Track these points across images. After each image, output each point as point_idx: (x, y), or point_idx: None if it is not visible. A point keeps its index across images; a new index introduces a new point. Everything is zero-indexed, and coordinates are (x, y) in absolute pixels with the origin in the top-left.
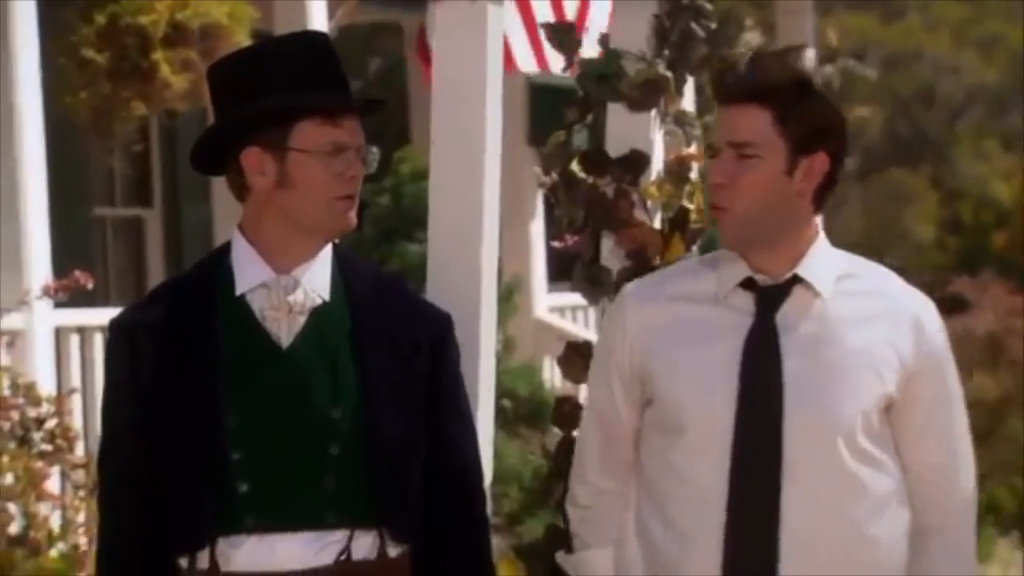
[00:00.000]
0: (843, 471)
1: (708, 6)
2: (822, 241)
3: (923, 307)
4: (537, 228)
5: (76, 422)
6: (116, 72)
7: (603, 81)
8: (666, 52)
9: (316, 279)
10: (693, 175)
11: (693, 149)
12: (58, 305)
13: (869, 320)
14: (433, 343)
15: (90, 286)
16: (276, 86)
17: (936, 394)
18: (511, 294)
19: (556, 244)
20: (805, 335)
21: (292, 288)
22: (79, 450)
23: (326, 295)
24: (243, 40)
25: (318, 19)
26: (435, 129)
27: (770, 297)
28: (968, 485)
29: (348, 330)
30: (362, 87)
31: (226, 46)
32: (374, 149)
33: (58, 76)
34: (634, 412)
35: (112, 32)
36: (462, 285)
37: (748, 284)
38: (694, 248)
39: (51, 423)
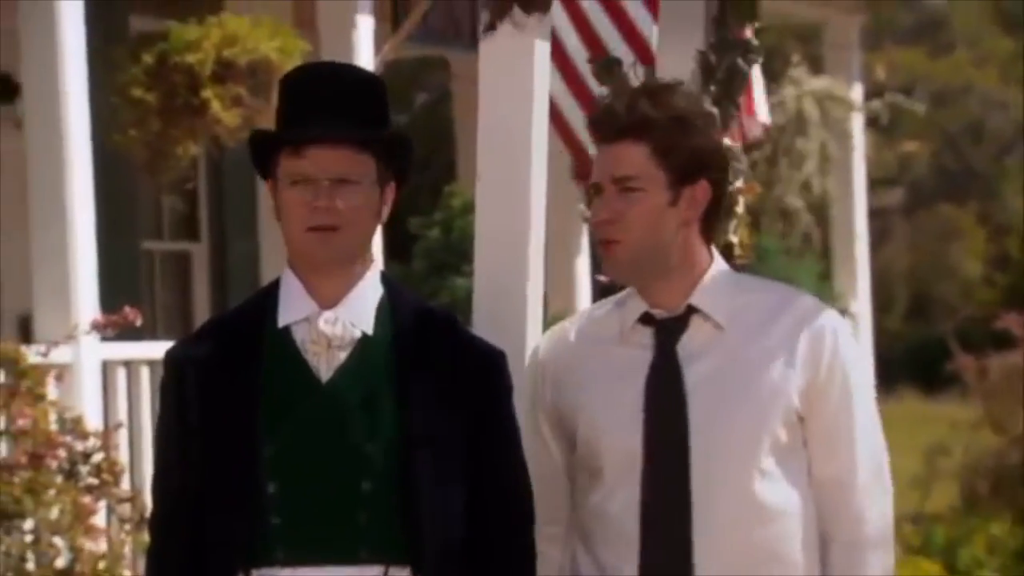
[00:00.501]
0: (750, 494)
1: (755, 42)
2: (717, 268)
3: (824, 321)
4: (583, 263)
5: (122, 456)
6: (166, 110)
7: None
8: (712, 88)
9: (357, 312)
10: (739, 209)
11: (740, 184)
12: (105, 338)
13: (768, 341)
14: (481, 379)
15: (139, 323)
16: (280, 117)
17: (839, 407)
18: None
19: (601, 279)
20: (706, 365)
21: (332, 322)
22: (125, 484)
23: (368, 328)
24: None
25: (364, 53)
26: (481, 164)
27: (668, 330)
28: (872, 500)
29: (391, 365)
30: (408, 121)
31: (276, 80)
32: (352, 178)
33: (109, 114)
34: (565, 452)
35: (161, 71)
36: (507, 319)
37: (647, 319)
38: None
39: (97, 457)
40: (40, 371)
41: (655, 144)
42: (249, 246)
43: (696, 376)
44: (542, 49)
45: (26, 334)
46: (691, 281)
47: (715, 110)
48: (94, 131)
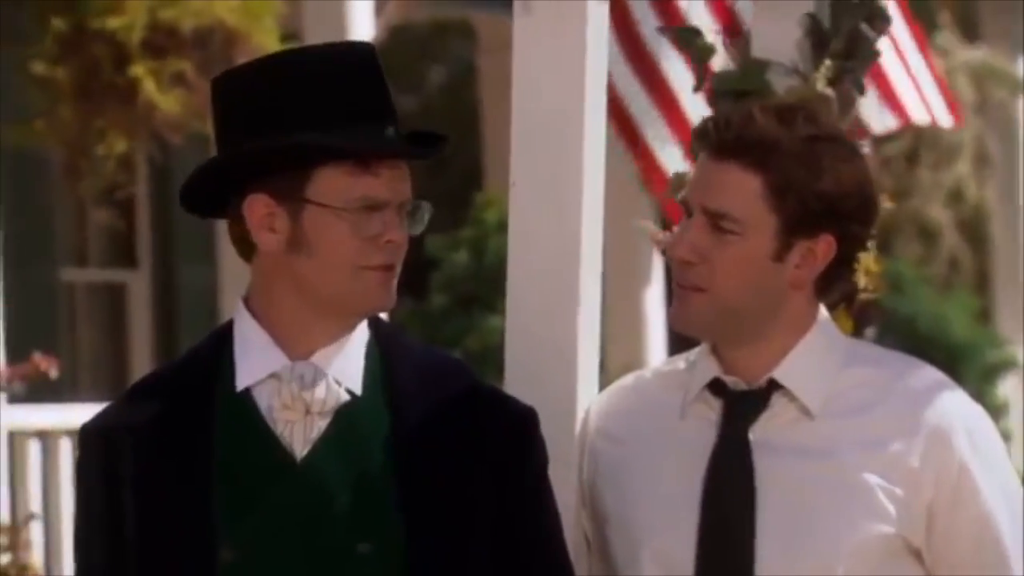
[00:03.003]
0: None
1: (884, 1)
2: (819, 331)
3: (954, 416)
4: (654, 297)
5: (36, 558)
6: (85, 94)
7: (743, 100)
8: (827, 62)
9: (344, 367)
10: None
11: None
12: (13, 400)
13: (872, 439)
14: (505, 450)
15: (54, 374)
16: (296, 116)
17: (975, 543)
18: None
19: None
20: (785, 463)
21: (311, 380)
22: None
23: (357, 388)
24: (266, 44)
25: (360, 19)
26: (515, 167)
27: (742, 407)
28: None
29: (386, 436)
30: (419, 105)
31: (239, 53)
32: (423, 204)
33: (11, 100)
34: (596, 541)
35: (77, 40)
36: (550, 371)
37: (718, 388)
38: (869, 329)
39: (4, 559)
40: None
41: (771, 179)
42: (204, 274)
43: (769, 471)
44: (597, 12)
45: None
46: (782, 347)
47: (830, 92)
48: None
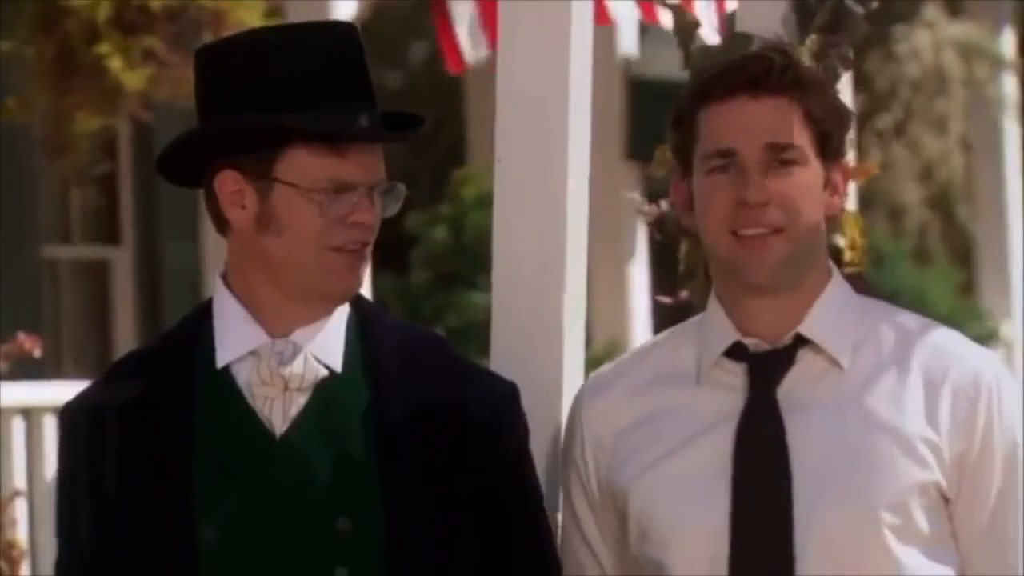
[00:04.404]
0: None
1: None
2: (836, 284)
3: (982, 370)
4: (638, 274)
5: (21, 534)
6: (60, 70)
7: None
8: (812, 36)
9: (324, 343)
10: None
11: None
12: None
13: (903, 391)
14: (485, 426)
15: (38, 354)
16: (271, 95)
17: (1003, 491)
18: (602, 363)
19: (664, 300)
20: (817, 414)
21: (290, 356)
22: (24, 572)
23: (337, 365)
24: (248, 21)
25: None
26: (500, 141)
27: (767, 368)
28: None
29: (366, 412)
30: (402, 83)
31: (221, 28)
32: (398, 185)
33: None
34: (613, 552)
35: (50, 16)
36: (537, 350)
37: (737, 351)
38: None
39: None
40: None
41: (807, 107)
42: (187, 251)
43: (801, 433)
44: None
45: None
46: (803, 301)
47: (814, 65)
48: None
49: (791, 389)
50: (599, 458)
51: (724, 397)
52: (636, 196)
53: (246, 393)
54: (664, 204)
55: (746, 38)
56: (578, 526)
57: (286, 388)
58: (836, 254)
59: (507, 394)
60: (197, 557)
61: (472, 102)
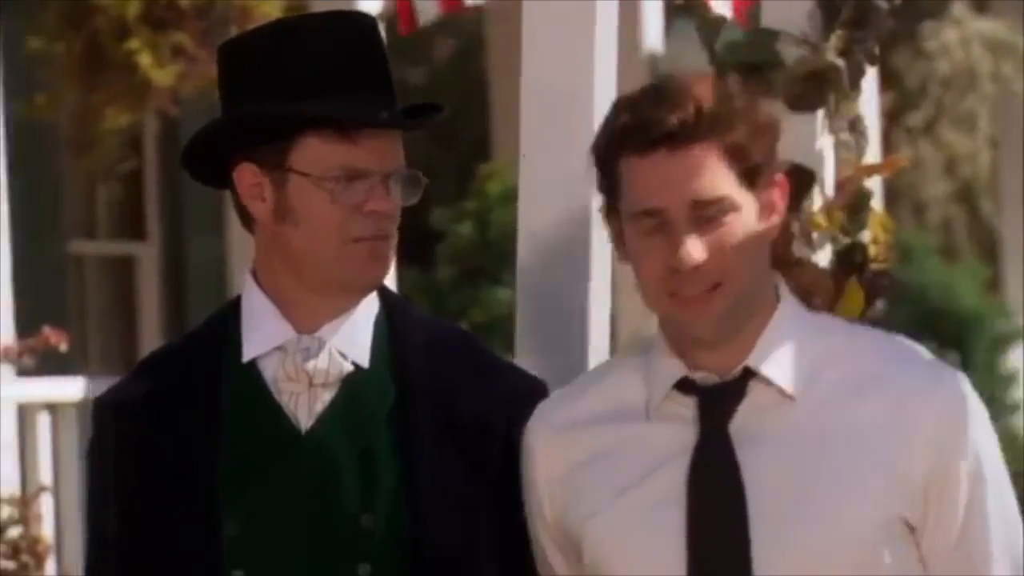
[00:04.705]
0: None
1: None
2: (785, 308)
3: (945, 392)
4: None
5: (47, 530)
6: (88, 67)
7: (752, 72)
8: (837, 32)
9: (351, 339)
10: (875, 200)
11: (869, 159)
12: (22, 373)
13: (862, 418)
14: (512, 422)
15: (64, 348)
16: (282, 85)
17: (970, 515)
18: None
19: None
20: (771, 448)
21: (315, 351)
22: (50, 568)
23: (363, 361)
24: (271, 15)
25: None
26: (525, 138)
27: (717, 402)
28: None
29: (392, 408)
30: (427, 79)
31: (246, 23)
32: (417, 173)
33: (21, 74)
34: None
35: (79, 14)
36: (562, 343)
37: (687, 385)
38: (879, 302)
39: (14, 532)
40: None
41: (726, 144)
42: (213, 246)
43: (758, 468)
44: None
45: None
46: (752, 334)
47: (840, 62)
48: (5, 97)
49: (743, 422)
50: (553, 494)
51: (675, 432)
52: None
53: (272, 388)
54: None
55: (771, 33)
56: (541, 549)
57: (311, 384)
58: (861, 251)
59: (534, 389)
60: (221, 551)
61: (497, 98)
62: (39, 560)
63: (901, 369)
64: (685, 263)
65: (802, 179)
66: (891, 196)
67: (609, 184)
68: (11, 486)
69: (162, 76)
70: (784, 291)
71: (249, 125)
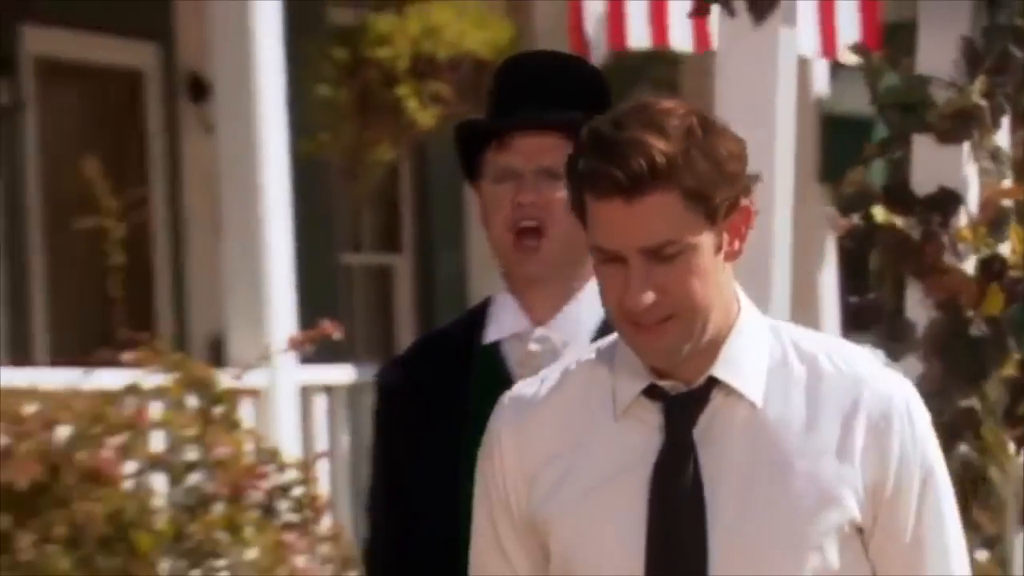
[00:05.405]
0: None
1: None
2: (746, 318)
3: (893, 397)
4: (827, 277)
5: (323, 489)
6: (361, 110)
7: (908, 111)
8: (980, 78)
9: (570, 330)
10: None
11: (1008, 183)
12: (304, 360)
13: (815, 424)
14: None
15: (338, 336)
16: (487, 111)
17: (918, 517)
18: None
19: (855, 299)
20: (732, 453)
21: (541, 341)
22: (327, 521)
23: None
24: None
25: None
26: None
27: (682, 409)
28: None
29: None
30: None
31: (485, 76)
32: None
33: (303, 116)
34: (536, 566)
35: (355, 67)
36: None
37: (654, 390)
38: (1014, 306)
39: (297, 491)
40: (233, 396)
41: (686, 187)
42: (456, 258)
43: (718, 473)
44: (787, 35)
45: (216, 357)
46: (714, 347)
47: (984, 103)
48: (292, 136)
49: (706, 428)
50: (519, 486)
51: (642, 434)
52: (831, 210)
53: (512, 371)
54: (855, 217)
55: (924, 79)
56: (498, 541)
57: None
58: (1001, 260)
59: None
60: (458, 510)
61: None
62: (317, 514)
63: (851, 377)
64: (635, 304)
65: (949, 200)
66: None
67: (579, 209)
68: (295, 453)
69: (424, 118)
70: (744, 300)
71: (458, 141)
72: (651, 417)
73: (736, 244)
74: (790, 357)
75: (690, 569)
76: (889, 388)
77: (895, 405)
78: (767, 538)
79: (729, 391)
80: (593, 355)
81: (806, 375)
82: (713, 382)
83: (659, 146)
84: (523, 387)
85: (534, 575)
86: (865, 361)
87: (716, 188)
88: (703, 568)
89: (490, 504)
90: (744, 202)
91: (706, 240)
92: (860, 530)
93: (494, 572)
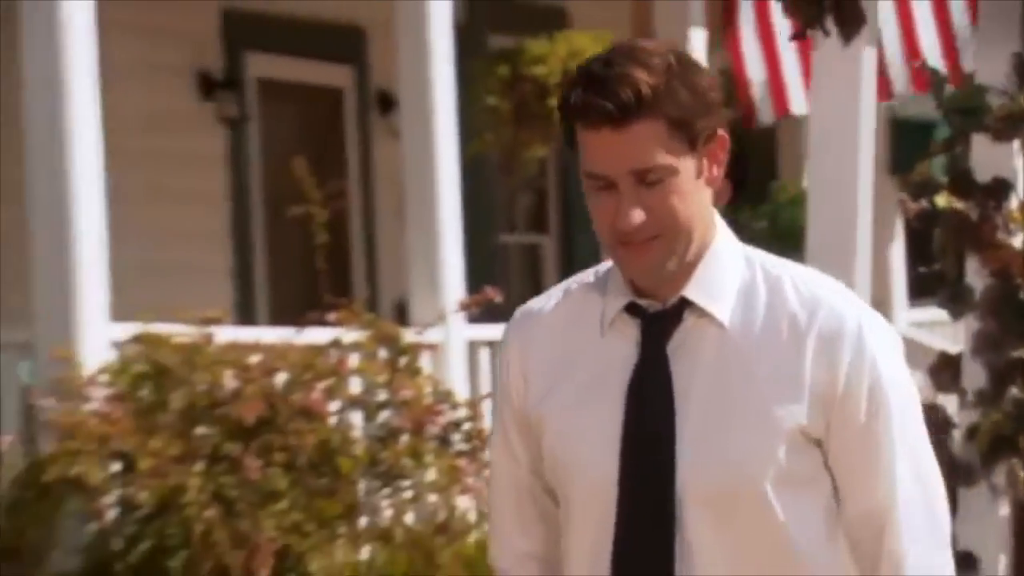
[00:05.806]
0: (750, 536)
1: None
2: (720, 242)
3: (845, 316)
4: (896, 251)
5: (487, 425)
6: (518, 117)
7: (969, 114)
8: None
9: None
10: None
11: None
12: (471, 320)
13: (775, 341)
14: None
15: (498, 300)
16: None
17: (867, 425)
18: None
19: (923, 269)
20: (700, 369)
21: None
22: (488, 453)
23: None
24: None
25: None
26: (812, 161)
27: (657, 326)
28: (919, 545)
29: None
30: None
31: None
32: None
33: (470, 123)
34: (535, 462)
35: (514, 82)
36: None
37: (634, 308)
38: None
39: (467, 425)
40: (415, 349)
41: (670, 117)
42: (592, 239)
43: (685, 385)
44: (869, 54)
45: (401, 317)
46: (689, 268)
47: None
48: (462, 138)
49: (679, 344)
50: (520, 386)
51: (623, 348)
52: (903, 195)
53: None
54: (923, 202)
55: (981, 88)
56: (507, 439)
57: None
58: None
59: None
60: None
61: (781, 136)
62: (483, 443)
63: (809, 299)
64: (626, 226)
65: (1003, 187)
66: None
67: (571, 141)
68: (464, 395)
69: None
70: (720, 224)
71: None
72: (631, 332)
73: (715, 170)
74: (758, 279)
75: (659, 460)
76: (843, 310)
77: (846, 325)
78: (728, 435)
79: (701, 312)
80: (591, 278)
81: (768, 295)
82: (685, 302)
83: (644, 79)
84: (533, 302)
85: (533, 469)
86: (827, 288)
87: (697, 117)
88: (671, 460)
89: (501, 403)
90: (721, 132)
91: (688, 165)
92: (819, 443)
93: (504, 462)
